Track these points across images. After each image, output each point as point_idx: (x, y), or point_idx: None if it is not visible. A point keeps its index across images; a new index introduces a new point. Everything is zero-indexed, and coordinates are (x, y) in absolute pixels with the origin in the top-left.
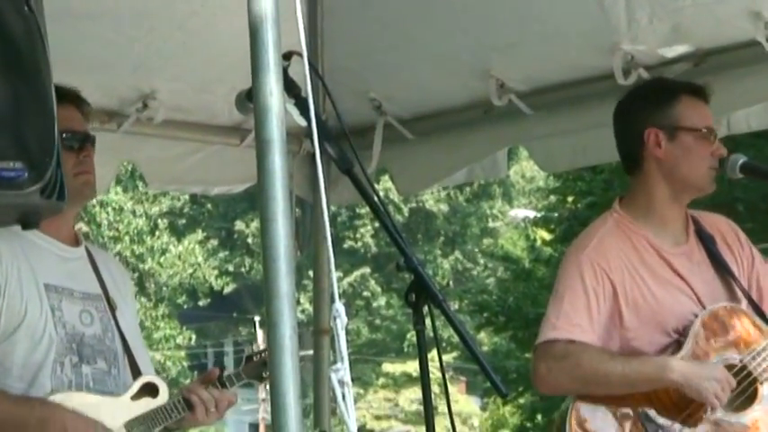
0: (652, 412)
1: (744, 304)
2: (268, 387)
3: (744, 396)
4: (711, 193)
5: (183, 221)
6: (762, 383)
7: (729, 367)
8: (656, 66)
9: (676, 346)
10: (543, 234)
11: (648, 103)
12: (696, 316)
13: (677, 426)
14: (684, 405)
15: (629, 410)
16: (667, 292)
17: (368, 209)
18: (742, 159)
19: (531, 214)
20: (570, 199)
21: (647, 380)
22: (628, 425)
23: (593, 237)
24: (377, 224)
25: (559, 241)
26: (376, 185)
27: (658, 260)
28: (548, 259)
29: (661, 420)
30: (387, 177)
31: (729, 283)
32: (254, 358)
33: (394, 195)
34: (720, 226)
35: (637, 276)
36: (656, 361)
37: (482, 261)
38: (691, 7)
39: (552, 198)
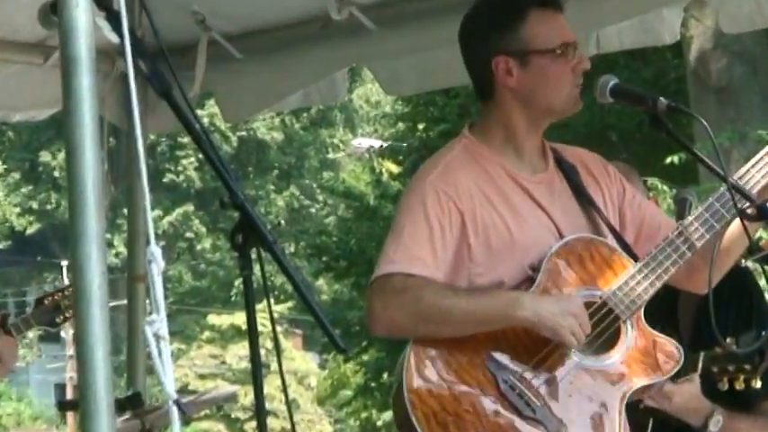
0: (501, 356)
1: (609, 238)
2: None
3: (605, 336)
4: (581, 121)
5: None
6: (625, 322)
7: (588, 305)
8: None
9: (530, 283)
10: (390, 166)
11: (493, 25)
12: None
13: (530, 372)
14: (538, 347)
15: (474, 354)
16: (525, 223)
17: (190, 138)
18: (613, 81)
19: (377, 144)
20: (421, 127)
21: (495, 317)
22: (473, 371)
23: (438, 163)
24: (201, 155)
25: (408, 175)
26: (199, 111)
27: (515, 188)
28: (395, 195)
29: (512, 365)
30: (212, 102)
31: (593, 216)
32: (46, 301)
33: (220, 122)
34: (584, 156)
35: (489, 205)
36: (505, 295)
37: (321, 197)
38: None
39: (400, 126)
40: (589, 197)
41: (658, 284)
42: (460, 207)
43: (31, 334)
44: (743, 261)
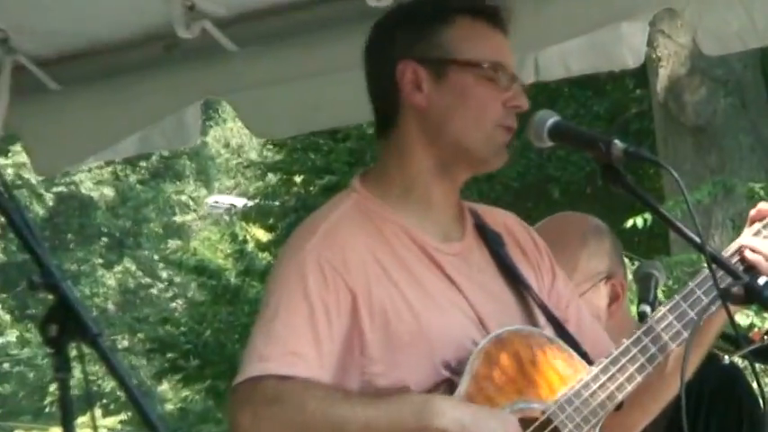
0: None
1: (548, 330)
2: None
3: None
4: (513, 171)
5: None
6: None
7: (526, 422)
8: None
9: (447, 387)
10: (258, 233)
11: (407, 25)
12: (476, 344)
13: None
14: None
15: None
16: (436, 307)
17: None
18: (552, 119)
19: (240, 202)
20: (298, 180)
21: (403, 429)
22: None
23: (319, 224)
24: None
25: (282, 243)
26: (0, 160)
27: (422, 258)
28: (264, 271)
29: None
30: (19, 147)
31: (525, 299)
32: None
33: (30, 174)
34: (511, 224)
35: (387, 281)
36: (416, 400)
37: (165, 274)
38: None
39: (271, 178)
40: (519, 274)
41: (619, 397)
42: (351, 284)
43: None
44: (726, 357)
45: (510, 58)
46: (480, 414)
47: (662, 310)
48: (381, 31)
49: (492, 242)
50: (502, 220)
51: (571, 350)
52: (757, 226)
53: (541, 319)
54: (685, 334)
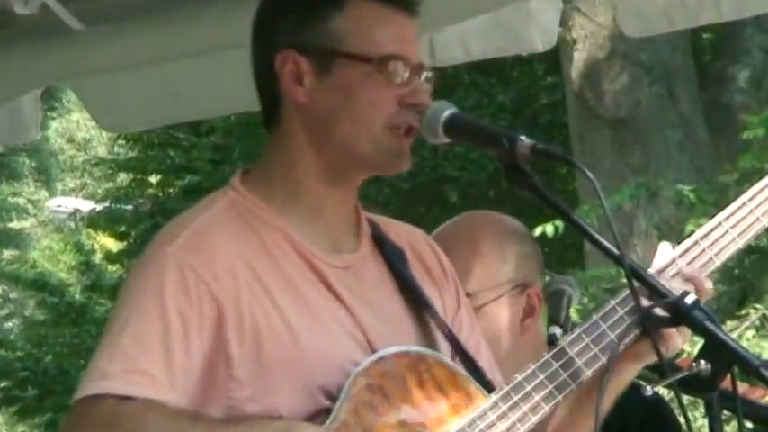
0: None
1: (448, 356)
2: None
3: None
4: (404, 172)
5: None
6: None
7: None
8: None
9: (326, 418)
10: (107, 242)
11: (292, 10)
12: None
13: None
14: None
15: None
16: (317, 326)
17: None
18: (448, 111)
19: (87, 206)
20: (155, 180)
21: None
22: None
23: (186, 225)
24: None
25: (135, 254)
26: None
27: (306, 271)
28: (114, 287)
29: None
30: None
31: (424, 322)
32: None
33: None
34: (416, 241)
35: (264, 294)
36: (275, 427)
37: None
38: None
39: (123, 178)
40: (422, 297)
41: (521, 430)
42: (217, 295)
43: None
44: (648, 388)
45: (413, 45)
46: None
47: (576, 331)
48: (265, 14)
49: (392, 257)
50: (406, 235)
51: (470, 377)
52: (694, 237)
53: (443, 344)
54: (603, 359)
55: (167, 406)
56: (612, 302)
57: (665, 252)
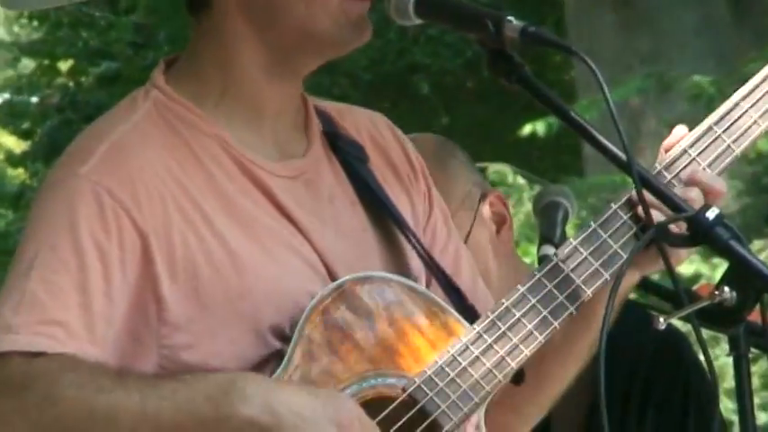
0: None
1: (421, 278)
2: None
3: None
4: (364, 59)
5: None
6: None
7: (380, 402)
8: None
9: (279, 362)
10: (8, 141)
11: None
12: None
13: None
14: None
15: None
16: (263, 252)
17: None
18: None
19: None
20: (64, 67)
21: (195, 420)
22: None
23: (102, 138)
24: None
25: (42, 155)
26: None
27: (246, 185)
28: (18, 195)
29: None
30: None
31: (392, 236)
32: None
33: None
34: (376, 131)
35: (199, 218)
36: (218, 381)
37: None
38: None
39: (26, 64)
40: (386, 203)
41: (512, 364)
42: (142, 224)
43: None
44: (661, 321)
45: None
46: (303, 398)
47: (572, 243)
48: None
49: (349, 157)
50: (366, 125)
51: (449, 306)
52: (707, 122)
53: (414, 263)
54: (606, 275)
55: (87, 362)
56: (614, 206)
57: (678, 135)
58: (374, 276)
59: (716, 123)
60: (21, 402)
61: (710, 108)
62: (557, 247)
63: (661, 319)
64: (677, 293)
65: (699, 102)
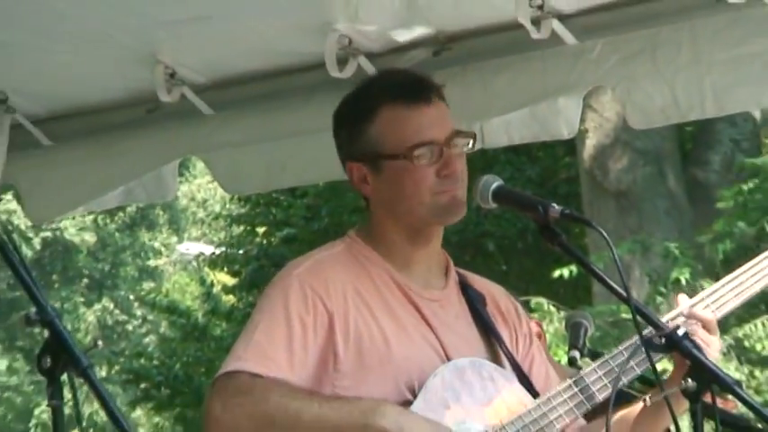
0: None
1: (508, 371)
2: None
3: None
4: (452, 227)
5: None
6: None
7: None
8: (384, 53)
9: (406, 406)
10: (223, 278)
11: (344, 125)
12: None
13: None
14: None
15: None
16: (408, 339)
17: None
18: (496, 183)
19: (208, 250)
20: (260, 231)
21: (350, 425)
22: None
23: (311, 257)
24: None
25: (245, 288)
26: None
27: (403, 300)
28: (229, 312)
29: None
30: (10, 196)
31: (494, 349)
32: None
33: (19, 220)
34: (494, 292)
35: (367, 312)
36: (367, 402)
37: (139, 312)
38: None
39: (235, 229)
40: (493, 329)
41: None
42: (329, 307)
43: None
44: (647, 399)
45: (437, 126)
46: (420, 422)
47: (592, 366)
48: (334, 127)
49: (473, 299)
50: (488, 287)
51: (523, 387)
52: (701, 295)
53: (507, 366)
54: (610, 389)
55: (287, 383)
56: (620, 348)
57: (683, 300)
58: (477, 360)
59: (707, 296)
60: (244, 400)
61: (675, 263)
62: (579, 350)
63: (647, 398)
64: (659, 381)
65: (668, 259)
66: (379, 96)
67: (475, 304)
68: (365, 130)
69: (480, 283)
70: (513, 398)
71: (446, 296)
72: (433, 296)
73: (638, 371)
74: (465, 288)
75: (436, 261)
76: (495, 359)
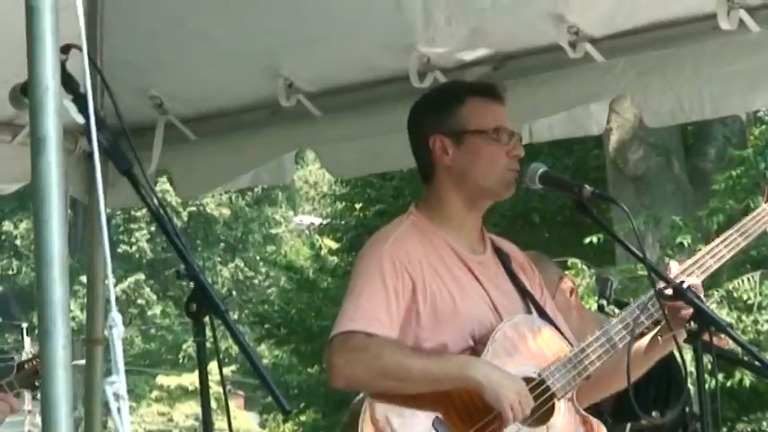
0: (445, 421)
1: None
2: (35, 398)
3: (541, 410)
4: (507, 204)
5: None
6: (559, 399)
7: (527, 380)
8: (454, 69)
9: (472, 352)
10: (329, 243)
11: (434, 108)
12: (493, 325)
13: None
14: (479, 416)
15: (424, 417)
16: (467, 296)
17: (144, 212)
18: (542, 169)
19: (317, 221)
20: (358, 206)
21: (449, 376)
22: (420, 428)
23: (391, 234)
24: (153, 228)
25: (346, 251)
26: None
27: (458, 263)
28: (333, 269)
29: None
30: (163, 179)
31: (525, 300)
32: (26, 366)
33: (171, 198)
34: (513, 250)
35: (436, 276)
36: (460, 357)
37: (264, 270)
38: (490, 9)
39: (339, 205)
40: (521, 282)
41: (585, 373)
42: (413, 275)
43: None
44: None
45: (507, 121)
46: (502, 374)
47: (614, 320)
48: (416, 115)
49: (504, 258)
50: (510, 248)
51: (558, 332)
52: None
53: (535, 311)
54: (627, 338)
55: (394, 340)
56: (633, 305)
57: (674, 266)
58: (527, 317)
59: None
60: (361, 356)
61: (680, 232)
62: (608, 300)
63: (659, 338)
64: (668, 324)
65: (674, 229)
66: (469, 89)
67: (506, 263)
68: (456, 109)
69: (502, 243)
70: (555, 344)
71: (487, 258)
72: (479, 259)
73: (647, 323)
74: (497, 250)
75: (478, 229)
76: (527, 306)
